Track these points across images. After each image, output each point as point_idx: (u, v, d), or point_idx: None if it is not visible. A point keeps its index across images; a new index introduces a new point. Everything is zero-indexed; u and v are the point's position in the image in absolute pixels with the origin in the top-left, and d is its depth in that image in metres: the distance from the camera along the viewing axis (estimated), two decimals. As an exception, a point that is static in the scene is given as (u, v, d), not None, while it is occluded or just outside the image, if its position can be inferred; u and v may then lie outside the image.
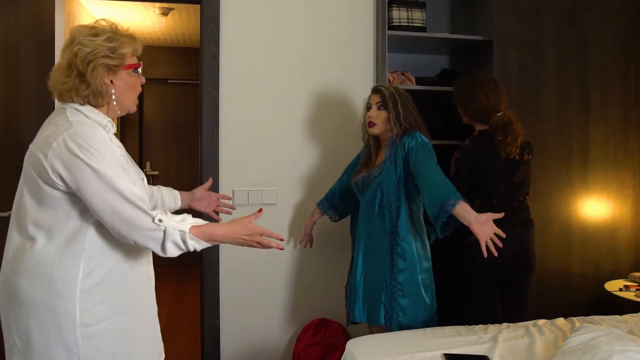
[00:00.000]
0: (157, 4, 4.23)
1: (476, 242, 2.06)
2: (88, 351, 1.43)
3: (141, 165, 5.89)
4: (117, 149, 1.49)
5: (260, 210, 1.63)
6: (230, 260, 2.85)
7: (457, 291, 2.65)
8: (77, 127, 1.43)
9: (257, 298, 2.89)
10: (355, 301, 2.34)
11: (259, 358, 2.89)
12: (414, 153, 2.17)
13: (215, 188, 2.80)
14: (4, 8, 2.60)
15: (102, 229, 1.47)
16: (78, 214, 1.45)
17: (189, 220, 1.48)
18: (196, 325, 3.69)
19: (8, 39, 2.61)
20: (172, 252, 1.45)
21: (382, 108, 2.30)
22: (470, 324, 2.34)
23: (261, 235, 1.56)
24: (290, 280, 2.93)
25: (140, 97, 6.51)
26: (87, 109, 1.50)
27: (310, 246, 2.71)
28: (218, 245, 2.80)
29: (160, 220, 1.42)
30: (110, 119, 1.55)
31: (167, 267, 5.80)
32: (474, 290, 2.56)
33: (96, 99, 1.51)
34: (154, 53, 5.73)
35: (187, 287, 5.18)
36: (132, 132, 5.86)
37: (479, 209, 2.36)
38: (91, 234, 1.46)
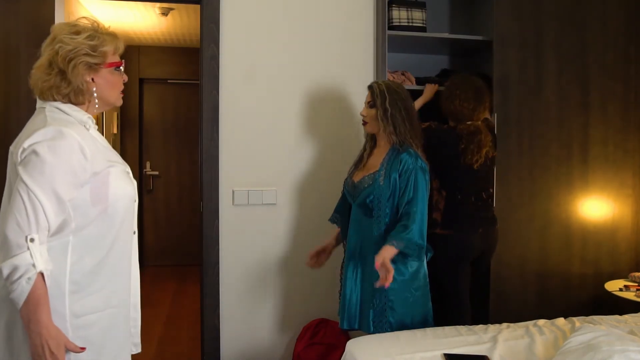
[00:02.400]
0: (157, 4, 4.23)
1: (444, 236, 2.52)
2: (77, 342, 1.43)
3: (141, 165, 5.89)
4: (78, 158, 1.42)
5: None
6: (230, 260, 2.85)
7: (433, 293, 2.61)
8: (48, 129, 1.40)
9: (257, 298, 2.89)
10: (342, 309, 2.32)
11: (259, 358, 2.89)
12: (410, 177, 2.16)
13: (215, 188, 2.80)
14: (4, 8, 2.60)
15: (87, 221, 1.46)
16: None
17: (49, 268, 1.36)
18: (196, 325, 3.69)
19: (8, 39, 2.61)
20: (5, 273, 1.32)
21: (372, 106, 2.27)
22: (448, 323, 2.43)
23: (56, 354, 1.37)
24: (290, 280, 2.93)
25: (140, 97, 6.55)
26: (67, 107, 1.50)
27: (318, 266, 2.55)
28: (218, 245, 2.80)
29: (32, 240, 1.32)
30: (90, 116, 1.55)
31: (167, 267, 5.83)
32: (448, 288, 2.56)
33: (77, 96, 1.51)
34: (154, 53, 5.72)
35: (187, 287, 5.17)
36: (132, 132, 5.86)
37: (446, 201, 2.58)
38: (75, 228, 1.45)
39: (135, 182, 1.65)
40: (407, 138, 2.22)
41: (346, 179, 2.44)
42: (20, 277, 1.31)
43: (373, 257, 2.21)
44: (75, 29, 1.51)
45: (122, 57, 1.63)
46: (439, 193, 2.60)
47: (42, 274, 1.34)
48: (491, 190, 2.69)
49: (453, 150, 2.54)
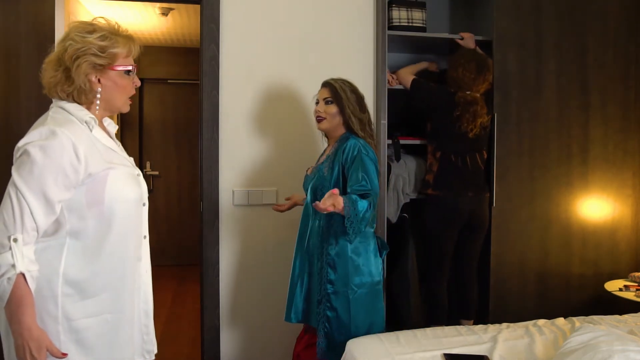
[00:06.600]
0: (157, 4, 4.23)
1: (435, 197, 2.75)
2: (70, 345, 1.42)
3: (141, 165, 5.89)
4: (69, 158, 1.39)
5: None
6: (230, 260, 2.85)
7: (419, 251, 2.99)
8: (42, 129, 1.39)
9: (257, 298, 2.89)
10: (288, 301, 2.29)
11: (259, 358, 2.89)
12: (356, 161, 2.08)
13: (215, 188, 2.80)
14: (4, 8, 2.60)
15: (82, 223, 1.44)
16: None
17: (32, 269, 1.35)
18: (196, 325, 3.69)
19: (8, 39, 2.61)
20: None
21: (329, 102, 2.23)
22: (428, 281, 2.85)
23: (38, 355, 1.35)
24: (290, 280, 2.93)
25: (140, 97, 6.54)
26: (72, 106, 1.49)
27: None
28: (218, 245, 2.80)
29: (15, 240, 1.32)
30: (93, 116, 1.50)
31: (167, 267, 5.83)
32: (432, 249, 2.82)
33: (80, 96, 1.49)
34: (154, 53, 5.72)
35: (187, 287, 5.17)
36: (132, 132, 5.86)
37: (440, 163, 2.77)
38: (71, 230, 1.43)
39: (144, 186, 1.61)
40: (359, 130, 2.19)
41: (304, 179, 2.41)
42: (1, 277, 1.31)
43: (316, 254, 2.19)
44: (90, 28, 1.50)
45: (136, 61, 1.60)
46: (432, 156, 2.80)
47: (23, 275, 1.32)
48: (485, 156, 2.83)
49: (448, 114, 2.75)
